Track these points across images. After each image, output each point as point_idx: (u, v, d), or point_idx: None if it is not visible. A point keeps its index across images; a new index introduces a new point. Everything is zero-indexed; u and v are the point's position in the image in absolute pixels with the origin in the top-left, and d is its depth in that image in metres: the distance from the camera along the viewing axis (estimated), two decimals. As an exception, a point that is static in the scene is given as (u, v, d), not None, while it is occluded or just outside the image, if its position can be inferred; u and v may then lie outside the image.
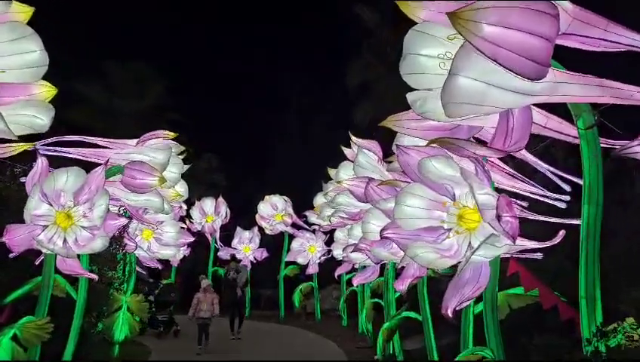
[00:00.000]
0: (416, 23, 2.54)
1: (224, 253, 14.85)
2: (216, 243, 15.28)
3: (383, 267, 7.63)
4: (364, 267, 9.10)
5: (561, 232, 3.16)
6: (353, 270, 10.51)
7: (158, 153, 5.11)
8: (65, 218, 4.04)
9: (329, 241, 12.66)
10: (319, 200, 11.15)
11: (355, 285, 7.18)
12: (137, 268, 7.63)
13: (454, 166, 2.98)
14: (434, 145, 2.38)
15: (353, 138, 6.60)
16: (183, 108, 20.10)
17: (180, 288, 14.16)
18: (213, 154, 20.85)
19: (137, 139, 5.27)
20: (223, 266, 15.69)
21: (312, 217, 11.93)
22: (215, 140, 21.13)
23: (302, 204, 13.56)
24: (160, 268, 6.94)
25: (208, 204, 15.16)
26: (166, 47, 21.01)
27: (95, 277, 4.25)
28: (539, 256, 3.40)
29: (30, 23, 3.44)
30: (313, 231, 13.20)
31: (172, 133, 5.32)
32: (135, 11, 19.61)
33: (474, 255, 2.78)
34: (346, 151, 6.98)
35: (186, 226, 7.62)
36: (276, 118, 22.89)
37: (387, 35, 11.47)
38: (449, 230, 3.11)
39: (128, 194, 5.06)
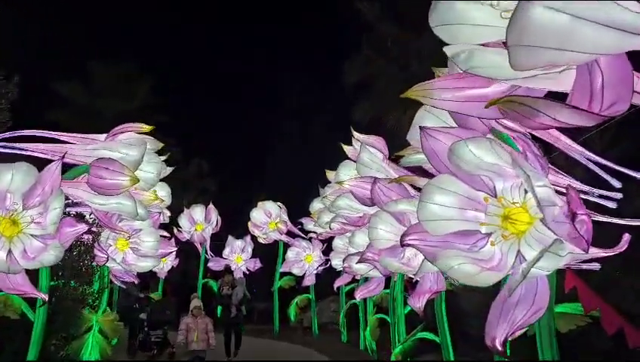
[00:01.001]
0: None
1: (215, 264, 14.14)
2: (206, 253, 14.58)
3: (387, 278, 7.00)
4: (367, 279, 8.46)
5: (626, 237, 2.52)
6: (354, 281, 9.85)
7: (130, 149, 4.44)
8: (10, 224, 3.37)
9: (327, 250, 11.99)
10: (316, 205, 10.50)
11: (357, 299, 6.52)
12: (121, 282, 6.98)
13: (498, 151, 2.33)
14: (497, 107, 1.70)
15: (356, 134, 5.97)
16: (172, 110, 19.49)
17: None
18: (204, 158, 20.26)
19: (106, 134, 4.63)
20: (214, 278, 15.03)
21: (309, 224, 11.25)
22: (205, 144, 20.52)
23: (297, 211, 12.89)
24: (136, 282, 6.27)
25: (198, 211, 14.46)
26: (156, 47, 20.41)
27: (44, 296, 3.57)
28: (596, 266, 2.77)
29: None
30: (310, 240, 12.50)
31: (147, 126, 4.66)
32: (124, 10, 19.02)
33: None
34: (347, 149, 6.33)
35: (169, 235, 6.94)
36: (270, 121, 22.31)
37: (388, 28, 10.94)
38: (488, 234, 2.46)
39: (95, 197, 4.39)
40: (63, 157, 3.78)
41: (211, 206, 14.52)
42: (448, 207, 2.49)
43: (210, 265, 14.12)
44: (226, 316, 9.72)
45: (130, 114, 19.71)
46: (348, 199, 5.72)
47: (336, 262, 9.79)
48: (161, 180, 7.23)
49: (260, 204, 13.52)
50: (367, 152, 5.67)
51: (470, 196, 2.49)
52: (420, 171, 3.90)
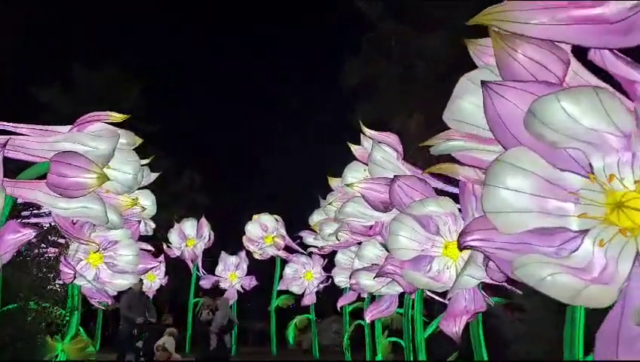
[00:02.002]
0: None
1: (207, 282, 13.31)
2: (198, 270, 13.77)
3: (400, 296, 6.26)
4: (373, 297, 7.72)
5: None
6: (358, 299, 9.09)
7: (98, 142, 3.73)
8: None
9: (328, 266, 11.27)
10: (317, 217, 9.76)
11: (367, 320, 5.79)
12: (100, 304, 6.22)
13: (610, 107, 1.63)
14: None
15: (367, 130, 5.30)
16: (163, 120, 18.81)
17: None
18: (196, 170, 19.51)
19: (71, 126, 3.93)
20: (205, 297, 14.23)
21: (309, 238, 10.49)
22: (198, 155, 19.77)
23: (295, 225, 12.16)
24: (110, 302, 5.51)
25: (189, 225, 13.68)
26: (145, 52, 19.79)
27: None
28: None
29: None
30: (309, 255, 11.71)
31: (118, 115, 3.97)
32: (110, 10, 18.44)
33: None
34: (355, 148, 5.65)
35: (152, 249, 6.20)
36: (265, 130, 21.61)
37: (390, 26, 10.36)
38: (583, 232, 1.76)
39: (57, 199, 3.67)
40: (5, 144, 3.06)
41: (203, 220, 13.75)
42: (525, 193, 1.79)
43: (202, 283, 13.30)
44: (204, 349, 8.24)
45: (116, 123, 18.96)
46: (357, 205, 5.01)
47: (340, 279, 9.03)
48: (145, 188, 6.59)
49: (255, 217, 12.77)
50: (380, 150, 5.00)
51: (553, 179, 1.78)
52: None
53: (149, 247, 6.19)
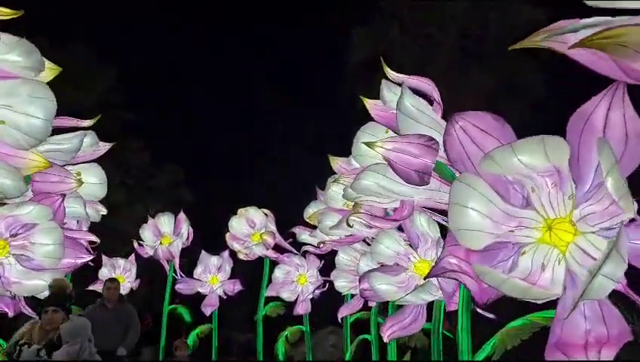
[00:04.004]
0: None
1: (185, 286, 11.81)
2: (175, 272, 12.30)
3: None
4: (384, 305, 6.39)
5: None
6: (364, 308, 7.71)
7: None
8: None
9: (324, 269, 9.86)
10: (313, 209, 8.37)
11: (386, 338, 4.41)
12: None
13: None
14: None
15: (390, 72, 3.91)
16: (142, 108, 17.39)
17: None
18: (179, 164, 18.08)
19: None
20: (183, 304, 12.79)
21: (303, 235, 9.07)
22: (181, 148, 18.35)
23: (287, 221, 10.75)
24: (10, 313, 4.00)
25: (165, 221, 12.19)
26: (125, 34, 18.38)
27: None
28: None
29: None
30: (304, 255, 10.26)
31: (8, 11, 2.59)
32: None
33: None
34: (371, 105, 4.26)
35: (94, 239, 4.81)
36: (256, 116, 20.23)
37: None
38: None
39: None
40: None
41: (182, 215, 12.25)
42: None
43: (178, 287, 11.82)
44: None
45: (89, 110, 17.59)
46: (379, 176, 3.60)
47: (341, 284, 7.63)
48: (94, 161, 5.32)
49: (240, 211, 11.31)
50: (411, 97, 3.64)
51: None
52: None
53: (93, 238, 4.80)
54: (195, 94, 19.08)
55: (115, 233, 15.20)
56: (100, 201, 5.51)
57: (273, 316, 11.21)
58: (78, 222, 12.09)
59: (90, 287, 11.70)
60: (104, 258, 11.86)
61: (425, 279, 3.57)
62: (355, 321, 8.81)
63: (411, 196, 3.52)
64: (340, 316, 7.86)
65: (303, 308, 10.47)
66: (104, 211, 5.48)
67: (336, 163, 6.24)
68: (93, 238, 4.75)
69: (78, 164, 5.02)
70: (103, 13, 18.24)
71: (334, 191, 6.42)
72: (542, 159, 2.00)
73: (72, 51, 16.15)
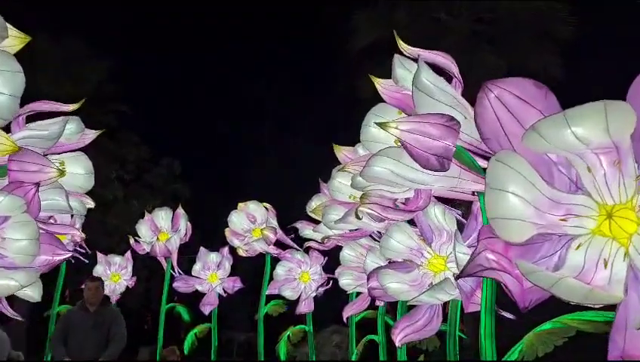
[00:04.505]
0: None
1: (182, 284, 11.48)
2: (172, 269, 11.96)
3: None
4: (394, 305, 6.04)
5: None
6: (370, 307, 7.35)
7: None
8: None
9: (328, 266, 9.50)
10: (315, 203, 8.01)
11: (398, 343, 4.05)
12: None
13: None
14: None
15: (404, 45, 3.54)
16: (137, 101, 17.03)
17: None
18: (176, 158, 17.70)
19: None
20: (182, 303, 12.47)
21: (306, 230, 8.68)
22: (178, 140, 18.00)
23: (289, 217, 10.39)
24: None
25: (162, 216, 11.84)
26: (111, 24, 18.00)
27: None
28: None
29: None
30: (306, 251, 9.91)
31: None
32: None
33: None
34: (382, 86, 3.88)
35: (79, 234, 4.47)
36: (256, 107, 19.88)
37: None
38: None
39: None
40: None
41: (180, 210, 11.90)
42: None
43: (176, 285, 11.50)
44: None
45: (84, 101, 17.16)
46: (393, 162, 3.22)
47: (346, 282, 7.28)
48: (80, 150, 5.03)
49: (241, 205, 10.95)
50: (429, 72, 3.29)
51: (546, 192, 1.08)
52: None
53: (77, 233, 4.46)
54: (192, 86, 18.72)
55: (111, 229, 14.89)
56: (87, 193, 5.19)
57: (275, 315, 10.87)
58: (72, 216, 11.77)
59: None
60: (99, 255, 11.56)
61: (457, 279, 3.21)
62: (361, 320, 8.46)
63: (429, 184, 3.16)
64: (344, 316, 7.50)
65: (306, 307, 10.12)
66: (91, 204, 5.14)
67: (342, 152, 5.90)
68: (77, 233, 4.41)
69: (63, 153, 4.70)
70: (98, 3, 17.90)
71: (339, 182, 6.07)
72: (601, 131, 1.64)
73: (65, 42, 15.80)
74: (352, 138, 5.52)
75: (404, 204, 3.77)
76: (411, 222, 4.48)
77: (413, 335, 4.01)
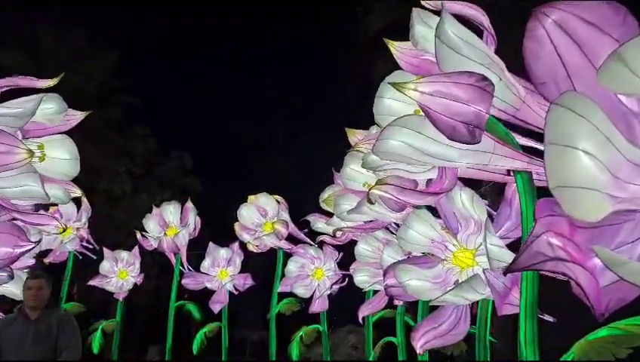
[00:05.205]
0: None
1: (191, 281, 11.11)
2: (182, 265, 11.60)
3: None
4: (410, 308, 5.56)
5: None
6: (389, 306, 6.85)
7: None
8: None
9: (343, 262, 9.03)
10: (329, 192, 7.53)
11: (420, 350, 3.53)
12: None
13: None
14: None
15: (425, -3, 3.02)
16: (147, 93, 16.72)
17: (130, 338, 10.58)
18: (186, 151, 17.37)
19: None
20: (192, 300, 12.11)
21: (318, 223, 8.23)
22: (188, 133, 17.65)
23: (301, 208, 9.93)
24: None
25: (170, 210, 11.47)
26: (119, 14, 17.69)
27: None
28: None
29: None
30: (320, 246, 9.43)
31: None
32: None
33: None
34: (399, 50, 3.38)
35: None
36: (267, 98, 19.43)
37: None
38: None
39: None
40: None
41: (189, 204, 11.51)
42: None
43: (184, 281, 11.12)
44: None
45: (91, 95, 16.86)
46: (414, 134, 2.71)
47: (362, 278, 6.81)
48: (64, 133, 4.65)
49: (251, 198, 10.52)
50: (455, 25, 2.77)
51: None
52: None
53: (52, 222, 4.03)
54: (203, 77, 18.36)
55: (120, 224, 14.60)
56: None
57: (287, 314, 10.42)
58: (78, 211, 11.28)
59: (91, 282, 11.13)
60: (105, 251, 11.26)
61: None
62: (379, 320, 7.97)
63: (455, 160, 2.64)
64: (360, 315, 7.01)
65: (320, 305, 9.65)
66: (78, 193, 4.70)
67: (355, 136, 5.45)
68: (52, 223, 3.98)
69: (46, 136, 4.30)
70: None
71: (352, 169, 5.58)
72: None
73: (73, 32, 15.54)
74: (367, 125, 5.10)
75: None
76: (433, 211, 3.98)
77: (436, 340, 3.49)
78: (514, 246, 3.41)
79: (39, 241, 3.56)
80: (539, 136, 3.02)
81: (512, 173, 2.98)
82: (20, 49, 14.53)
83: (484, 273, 3.32)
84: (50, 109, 4.16)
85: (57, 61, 14.63)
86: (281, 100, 18.00)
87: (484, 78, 2.43)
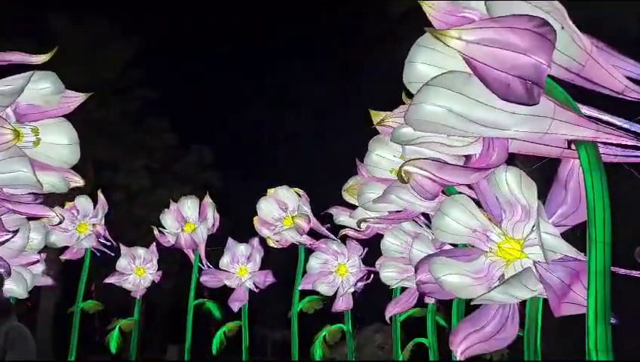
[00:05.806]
0: None
1: (210, 279, 10.82)
2: (201, 262, 11.32)
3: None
4: (441, 306, 5.14)
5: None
6: (419, 304, 6.41)
7: None
8: None
9: (368, 257, 8.60)
10: (351, 182, 7.11)
11: (461, 356, 3.11)
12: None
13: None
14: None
15: None
16: (166, 86, 16.51)
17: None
18: (206, 145, 17.14)
19: None
20: (212, 298, 11.84)
21: (341, 216, 7.82)
22: (207, 127, 17.39)
23: (323, 202, 9.53)
24: None
25: (189, 205, 11.20)
26: (137, 4, 17.49)
27: None
28: None
29: None
30: (343, 241, 9.00)
31: None
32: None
33: None
34: (432, 7, 2.93)
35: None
36: (288, 89, 19.04)
37: None
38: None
39: None
40: None
41: (208, 199, 11.22)
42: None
43: (203, 279, 10.83)
44: None
45: (108, 86, 16.71)
46: (456, 96, 2.26)
47: (389, 275, 6.38)
48: (63, 116, 4.34)
49: (270, 191, 10.14)
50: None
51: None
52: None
53: (46, 212, 3.70)
54: (222, 69, 18.07)
55: (138, 220, 14.42)
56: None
57: (310, 312, 10.04)
58: (94, 207, 11.03)
59: (107, 280, 10.94)
60: (122, 247, 11.05)
61: None
62: (407, 319, 7.54)
63: (508, 128, 2.18)
64: (387, 314, 6.58)
65: (344, 304, 9.22)
66: (79, 183, 4.36)
67: (379, 118, 5.01)
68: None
69: (42, 120, 3.97)
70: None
71: (377, 155, 5.17)
72: None
73: (89, 24, 15.41)
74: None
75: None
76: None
77: (480, 345, 3.03)
78: (566, 235, 2.97)
79: (16, 232, 3.20)
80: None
81: (572, 147, 2.51)
82: (33, 40, 14.51)
83: (535, 266, 2.86)
84: (45, 89, 3.82)
85: (74, 52, 14.53)
86: (303, 92, 17.61)
87: (546, 23, 1.97)
